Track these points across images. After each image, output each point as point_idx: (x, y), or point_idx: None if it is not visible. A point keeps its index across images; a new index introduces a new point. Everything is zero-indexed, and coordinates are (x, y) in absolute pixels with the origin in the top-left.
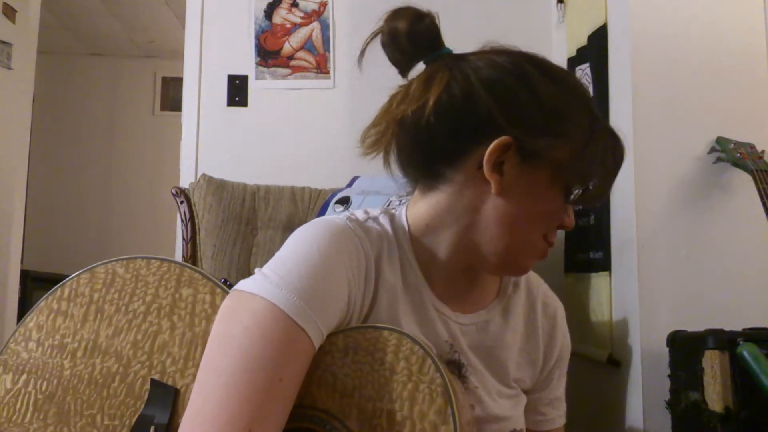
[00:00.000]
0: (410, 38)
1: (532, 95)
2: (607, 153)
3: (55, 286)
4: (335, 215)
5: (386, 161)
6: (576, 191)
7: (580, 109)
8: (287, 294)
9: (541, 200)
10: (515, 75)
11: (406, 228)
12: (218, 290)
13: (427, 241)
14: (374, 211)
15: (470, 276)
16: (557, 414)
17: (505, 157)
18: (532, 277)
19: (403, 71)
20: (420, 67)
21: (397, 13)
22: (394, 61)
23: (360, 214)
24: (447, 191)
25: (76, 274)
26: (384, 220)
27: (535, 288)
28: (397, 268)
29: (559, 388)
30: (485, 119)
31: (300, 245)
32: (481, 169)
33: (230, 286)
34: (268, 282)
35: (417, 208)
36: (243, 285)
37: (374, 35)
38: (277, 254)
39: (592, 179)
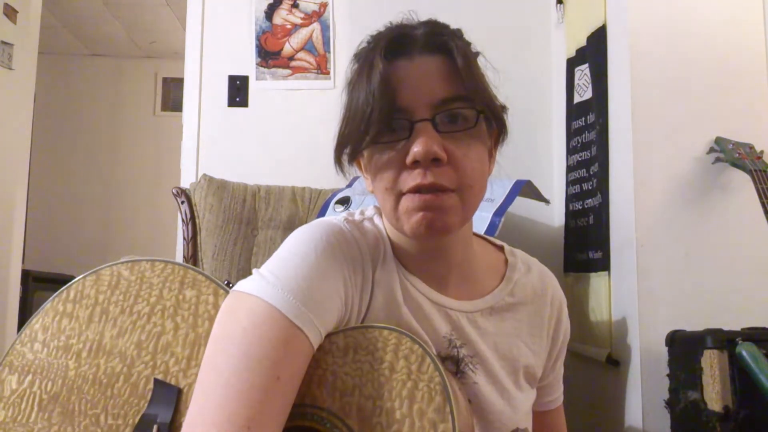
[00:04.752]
0: None
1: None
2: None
3: (61, 288)
4: (332, 216)
5: None
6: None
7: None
8: (284, 294)
9: (369, 162)
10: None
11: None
12: (221, 291)
13: (398, 237)
14: (369, 211)
15: (447, 258)
16: (559, 394)
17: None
18: (546, 269)
19: None
20: None
21: None
22: None
23: (356, 215)
24: None
25: (81, 276)
26: (378, 221)
27: (549, 278)
28: (392, 267)
29: (561, 370)
30: None
31: (297, 246)
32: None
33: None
34: (266, 282)
35: None
36: (241, 286)
37: None
38: (275, 255)
39: (352, 111)
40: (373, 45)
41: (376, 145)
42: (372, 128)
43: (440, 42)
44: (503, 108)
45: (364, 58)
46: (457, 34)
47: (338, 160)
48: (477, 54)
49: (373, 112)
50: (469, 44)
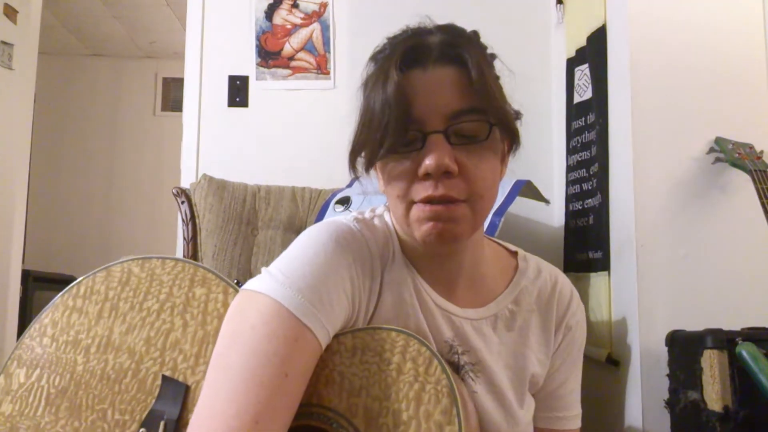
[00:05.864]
0: None
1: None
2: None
3: (72, 284)
4: (342, 216)
5: None
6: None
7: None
8: (293, 293)
9: (383, 167)
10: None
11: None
12: (231, 290)
13: (408, 236)
14: (379, 209)
15: (456, 261)
16: (576, 413)
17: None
18: (559, 274)
19: None
20: None
21: None
22: None
23: (366, 213)
24: None
25: (92, 272)
26: (388, 218)
27: (560, 284)
28: (402, 267)
29: (575, 384)
30: None
31: (306, 246)
32: None
33: None
34: (275, 281)
35: None
36: (251, 284)
37: None
38: (284, 254)
39: (365, 128)
40: (389, 53)
41: (391, 153)
42: (387, 139)
43: (455, 53)
44: (517, 114)
45: (380, 66)
46: (473, 39)
47: (353, 165)
48: (493, 58)
49: (389, 123)
50: (485, 49)
